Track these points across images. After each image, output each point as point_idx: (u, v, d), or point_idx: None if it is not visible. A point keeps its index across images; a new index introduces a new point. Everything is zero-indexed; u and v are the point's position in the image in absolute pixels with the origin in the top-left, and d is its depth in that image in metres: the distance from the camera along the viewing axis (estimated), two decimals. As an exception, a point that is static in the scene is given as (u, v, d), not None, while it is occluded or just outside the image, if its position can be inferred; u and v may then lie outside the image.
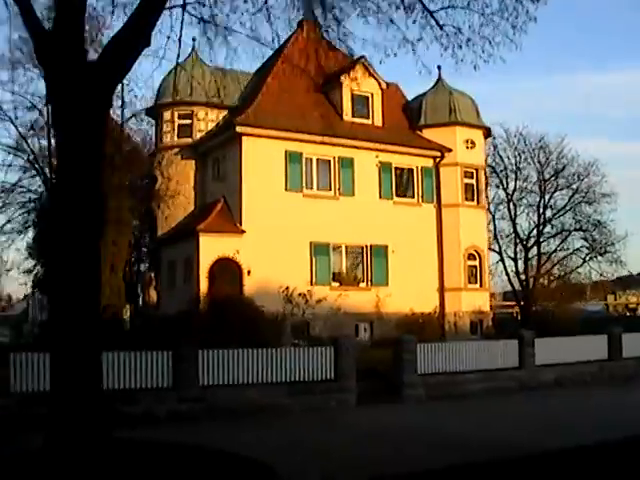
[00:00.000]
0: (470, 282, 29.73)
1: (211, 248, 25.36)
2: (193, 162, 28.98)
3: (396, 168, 29.32)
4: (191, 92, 28.69)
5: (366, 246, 28.33)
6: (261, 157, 26.41)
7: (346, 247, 28.07)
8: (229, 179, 26.86)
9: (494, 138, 38.96)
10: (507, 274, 39.65)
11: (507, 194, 39.12)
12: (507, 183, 39.19)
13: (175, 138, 29.20)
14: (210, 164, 28.60)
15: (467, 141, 30.27)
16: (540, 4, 11.94)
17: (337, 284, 27.66)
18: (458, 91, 31.08)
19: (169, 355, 15.53)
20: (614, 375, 21.65)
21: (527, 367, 20.10)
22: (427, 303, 28.64)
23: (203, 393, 15.70)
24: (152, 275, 27.30)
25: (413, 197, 29.72)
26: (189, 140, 28.89)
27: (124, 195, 28.93)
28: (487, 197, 31.97)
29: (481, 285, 30.02)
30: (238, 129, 26.10)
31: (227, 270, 26.06)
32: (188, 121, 29.06)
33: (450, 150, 29.79)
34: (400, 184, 29.44)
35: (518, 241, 39.34)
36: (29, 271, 32.45)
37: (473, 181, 30.41)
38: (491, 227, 39.80)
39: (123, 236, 28.57)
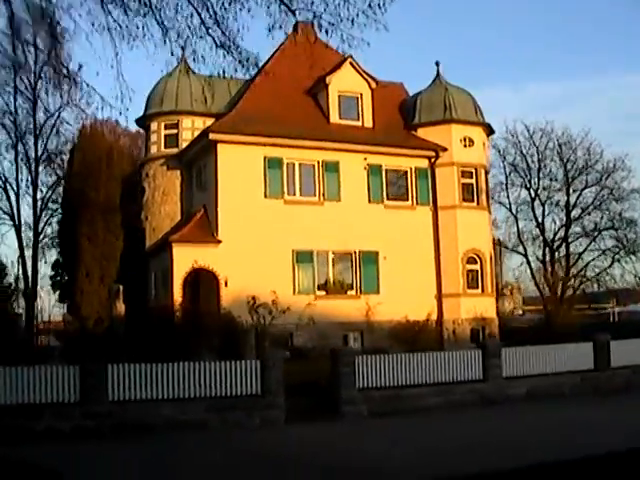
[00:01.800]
0: (470, 287, 28.16)
1: (185, 259, 24.75)
2: (179, 172, 28.49)
3: (387, 170, 28.08)
4: (177, 101, 28.50)
5: (355, 252, 27.20)
6: (238, 164, 25.67)
7: (333, 254, 26.99)
8: (209, 188, 26.23)
9: (513, 135, 37.28)
10: (533, 277, 37.77)
11: (531, 193, 37.24)
12: (531, 182, 37.29)
13: (162, 148, 28.78)
14: (195, 173, 28.05)
15: (464, 139, 28.75)
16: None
17: (323, 292, 26.62)
18: (455, 87, 29.65)
19: (76, 370, 15.13)
20: (599, 387, 19.90)
21: (492, 379, 18.62)
22: (423, 310, 27.27)
23: (112, 409, 15.15)
24: (120, 288, 26.93)
25: (407, 200, 28.40)
26: (175, 150, 28.39)
27: (114, 209, 28.82)
28: (489, 197, 30.15)
29: (483, 290, 28.39)
30: (212, 136, 25.45)
31: (204, 281, 25.48)
32: (174, 131, 28.62)
33: (445, 149, 28.36)
34: (392, 187, 28.18)
35: (544, 242, 37.39)
36: None
37: (472, 181, 28.84)
38: (514, 229, 38.28)
39: (113, 249, 28.45)
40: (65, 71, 25.39)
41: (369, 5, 10.91)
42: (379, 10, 10.98)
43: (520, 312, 40.57)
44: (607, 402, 18.89)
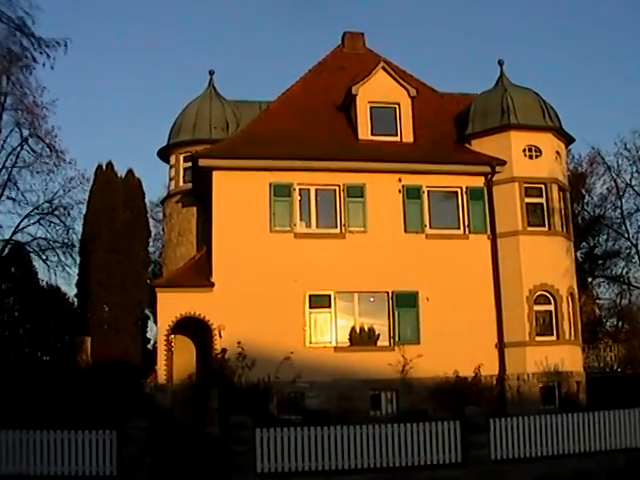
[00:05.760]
0: (542, 334, 22.14)
1: (172, 306, 21.18)
2: (195, 209, 25.21)
3: (429, 192, 23.04)
4: (194, 130, 25.61)
5: (387, 294, 22.27)
6: (237, 193, 21.94)
7: (358, 297, 22.27)
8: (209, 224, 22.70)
9: (628, 149, 30.62)
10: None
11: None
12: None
13: (180, 184, 25.73)
14: (207, 209, 24.63)
15: (529, 149, 23.08)
16: None
17: (346, 343, 21.93)
18: (517, 87, 24.12)
19: None
20: (657, 473, 13.70)
21: (474, 463, 13.23)
22: (477, 364, 21.71)
23: None
24: (86, 340, 23.71)
25: (457, 227, 23.10)
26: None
27: (134, 252, 26.20)
28: (568, 219, 23.90)
29: (558, 337, 22.21)
30: (201, 163, 21.95)
31: (194, 331, 21.92)
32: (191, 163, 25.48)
33: (504, 162, 22.86)
34: (436, 212, 23.03)
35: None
36: None
37: (541, 200, 22.98)
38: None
39: (132, 296, 25.75)
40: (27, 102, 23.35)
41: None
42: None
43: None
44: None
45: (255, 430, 12.59)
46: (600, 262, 36.81)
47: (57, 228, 24.52)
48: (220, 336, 21.02)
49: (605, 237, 35.68)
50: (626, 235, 32.18)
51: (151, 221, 35.98)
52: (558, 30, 73.47)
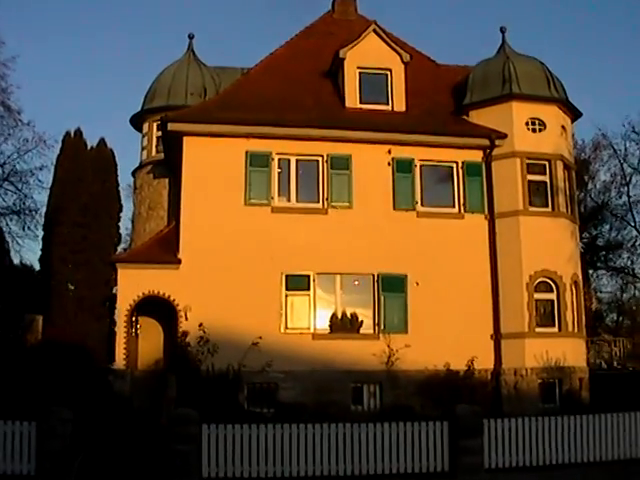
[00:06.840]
0: (543, 325, 20.14)
1: (134, 283, 19.16)
2: (167, 181, 23.15)
3: (422, 166, 21.01)
4: (169, 96, 23.54)
5: (373, 277, 20.25)
6: (209, 162, 19.90)
7: (341, 279, 20.24)
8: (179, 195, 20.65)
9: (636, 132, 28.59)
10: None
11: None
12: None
13: (153, 153, 23.67)
14: (179, 179, 22.57)
15: (532, 121, 21.03)
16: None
17: (325, 330, 19.92)
18: (521, 55, 22.07)
19: None
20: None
21: (464, 473, 11.18)
22: (471, 357, 19.69)
23: None
24: (37, 318, 21.61)
25: (452, 205, 21.07)
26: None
27: (103, 227, 24.11)
28: (573, 200, 21.90)
29: (560, 328, 20.21)
30: (171, 127, 19.82)
31: (163, 313, 19.88)
32: (165, 131, 23.35)
33: (504, 135, 20.82)
34: (429, 188, 21.02)
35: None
36: None
37: (545, 177, 20.97)
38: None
39: (97, 273, 23.71)
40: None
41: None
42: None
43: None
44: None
45: (202, 426, 10.54)
46: (602, 253, 34.93)
47: (14, 196, 22.47)
48: (186, 318, 19.01)
49: (608, 227, 33.80)
50: (632, 223, 30.20)
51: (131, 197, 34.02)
52: (562, 8, 71.15)
